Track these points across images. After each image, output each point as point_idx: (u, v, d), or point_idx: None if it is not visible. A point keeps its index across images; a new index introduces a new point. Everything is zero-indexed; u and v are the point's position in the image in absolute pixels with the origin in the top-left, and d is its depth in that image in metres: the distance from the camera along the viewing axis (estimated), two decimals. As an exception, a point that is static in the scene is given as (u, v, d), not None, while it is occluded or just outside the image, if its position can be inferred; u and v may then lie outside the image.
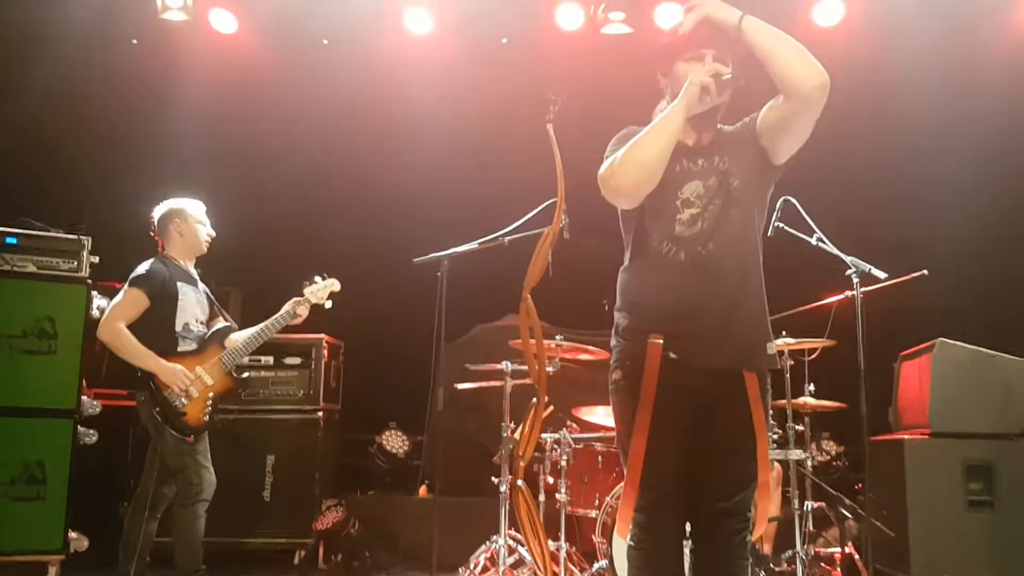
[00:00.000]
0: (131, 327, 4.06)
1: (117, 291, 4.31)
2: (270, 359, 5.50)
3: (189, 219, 4.33)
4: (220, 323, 4.41)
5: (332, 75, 6.26)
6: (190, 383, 4.06)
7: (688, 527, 2.63)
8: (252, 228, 5.18)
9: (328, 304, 4.50)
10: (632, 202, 2.60)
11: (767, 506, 2.59)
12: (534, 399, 4.38)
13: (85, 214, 4.88)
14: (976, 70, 5.88)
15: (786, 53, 2.47)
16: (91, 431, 4.51)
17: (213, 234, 4.42)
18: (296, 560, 5.33)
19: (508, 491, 4.25)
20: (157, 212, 4.36)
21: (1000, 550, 4.38)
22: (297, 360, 5.58)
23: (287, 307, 4.39)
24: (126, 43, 6.24)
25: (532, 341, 2.95)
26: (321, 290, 4.47)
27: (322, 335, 5.60)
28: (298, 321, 4.43)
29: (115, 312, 4.07)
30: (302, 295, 4.42)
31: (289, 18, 6.17)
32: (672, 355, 2.52)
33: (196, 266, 4.43)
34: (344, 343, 5.96)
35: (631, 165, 2.52)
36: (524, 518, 2.58)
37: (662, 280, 2.59)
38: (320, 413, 5.49)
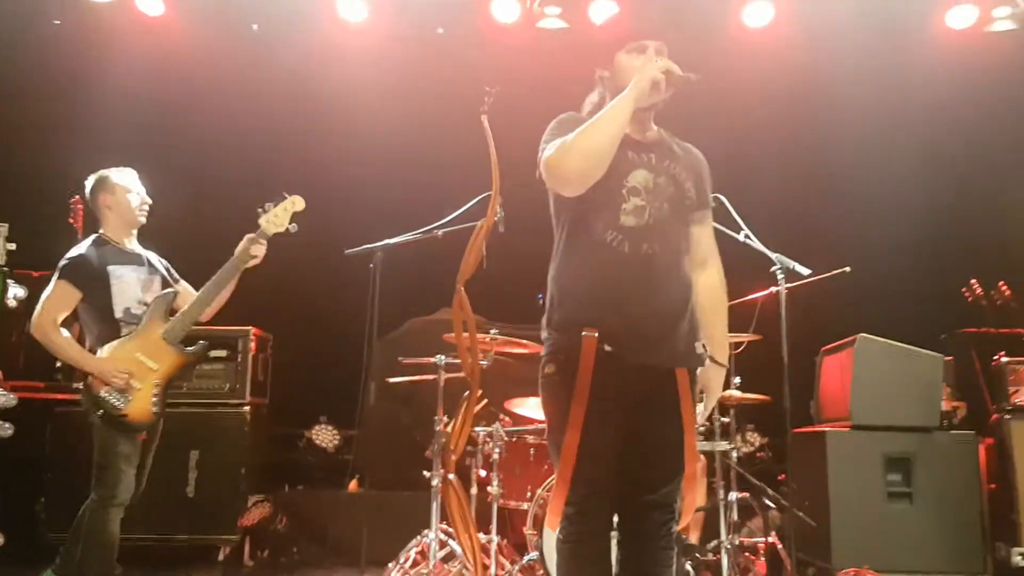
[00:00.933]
0: (72, 320, 3.84)
1: (34, 280, 4.14)
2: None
3: (116, 189, 3.96)
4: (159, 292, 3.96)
5: (262, 61, 6.16)
6: (127, 376, 3.70)
7: (616, 518, 2.65)
8: (176, 218, 5.01)
9: (293, 228, 3.91)
10: (578, 189, 2.58)
11: (693, 497, 2.64)
12: (466, 392, 4.40)
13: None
14: (902, 72, 6.06)
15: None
16: (6, 424, 4.31)
17: (149, 201, 4.01)
18: (221, 557, 5.21)
19: (440, 485, 4.23)
20: (86, 188, 4.03)
21: (918, 540, 4.52)
22: (223, 353, 5.41)
23: (239, 248, 3.85)
24: (48, 23, 6.02)
25: (466, 334, 2.94)
26: (279, 215, 3.90)
27: (249, 327, 5.47)
28: (256, 262, 3.89)
29: (44, 307, 3.77)
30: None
31: (218, 2, 6.04)
32: (607, 348, 2.52)
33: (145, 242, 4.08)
34: (273, 336, 5.84)
35: (580, 153, 2.51)
36: (455, 512, 2.56)
37: (601, 270, 2.58)
38: (247, 407, 5.34)
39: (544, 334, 2.68)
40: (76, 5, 5.86)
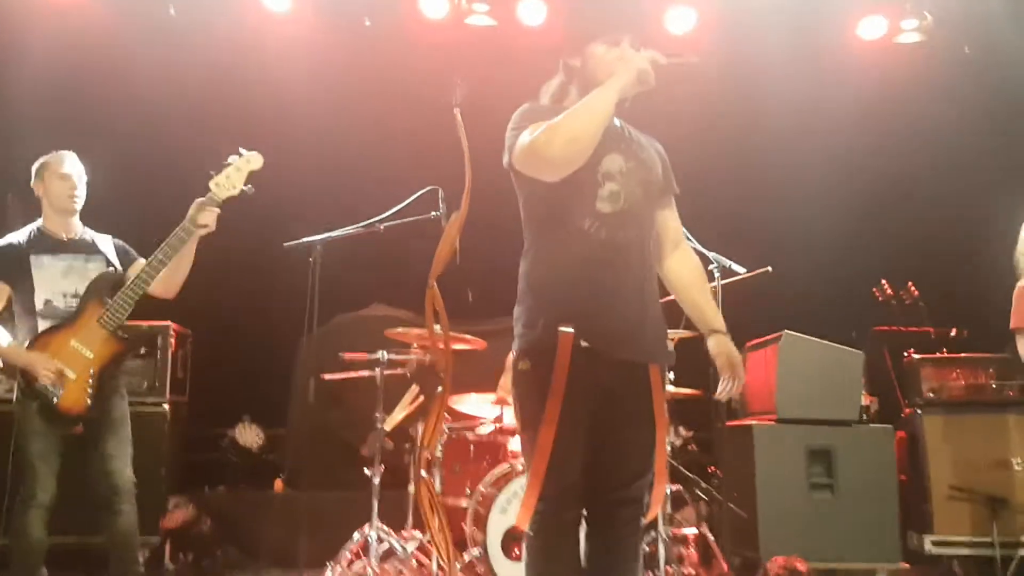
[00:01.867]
0: (4, 315, 3.64)
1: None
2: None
3: (45, 176, 3.77)
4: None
5: (183, 48, 5.92)
6: (56, 369, 3.50)
7: (584, 512, 2.66)
8: (104, 207, 4.75)
9: (249, 189, 3.56)
10: (560, 174, 2.54)
11: (662, 490, 2.66)
12: (413, 388, 4.36)
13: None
14: (819, 78, 6.28)
15: None
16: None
17: (75, 185, 3.74)
18: (140, 559, 5.00)
19: (380, 484, 4.19)
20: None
21: (839, 530, 4.70)
22: (141, 349, 5.21)
23: (188, 215, 3.52)
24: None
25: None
26: (232, 176, 3.54)
27: (168, 323, 5.27)
28: (206, 231, 3.55)
29: None
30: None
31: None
32: (584, 343, 2.51)
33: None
34: (192, 332, 5.65)
35: (566, 137, 2.48)
36: (428, 510, 2.53)
37: (580, 258, 2.56)
38: (166, 405, 5.14)
39: (517, 328, 2.64)
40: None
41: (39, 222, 3.82)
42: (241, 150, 3.62)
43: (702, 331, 2.80)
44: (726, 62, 6.25)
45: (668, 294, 4.66)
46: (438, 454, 4.28)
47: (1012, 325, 4.19)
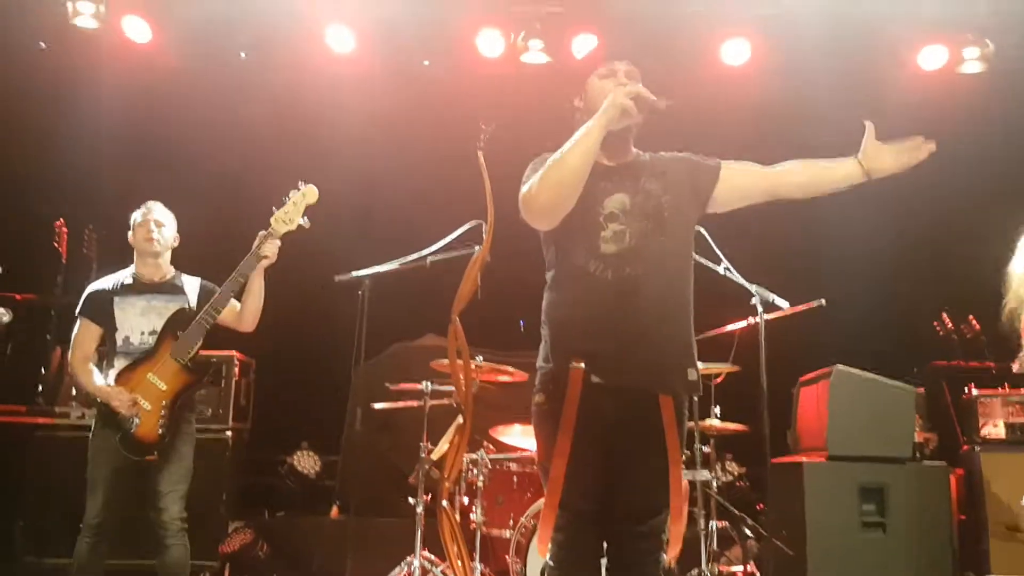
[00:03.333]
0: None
1: (18, 303, 4.15)
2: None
3: (134, 225, 4.09)
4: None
5: (250, 89, 6.20)
6: (129, 401, 3.75)
7: (604, 545, 2.70)
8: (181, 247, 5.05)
9: (305, 222, 3.85)
10: (551, 222, 2.63)
11: (680, 529, 2.65)
12: (459, 419, 4.44)
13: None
14: (876, 109, 6.15)
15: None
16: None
17: (152, 229, 3.99)
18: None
19: (423, 512, 4.27)
20: None
21: (891, 570, 4.58)
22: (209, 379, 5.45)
23: (252, 248, 3.82)
24: (34, 47, 6.03)
25: (459, 362, 3.00)
26: (291, 211, 3.83)
27: (233, 352, 5.50)
28: (268, 262, 3.85)
29: (72, 345, 3.97)
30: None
31: (205, 29, 6.06)
32: (595, 379, 2.56)
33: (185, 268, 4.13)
34: (255, 361, 5.87)
35: (548, 184, 2.54)
36: (448, 539, 2.60)
37: (587, 299, 2.61)
38: (229, 432, 5.36)
39: (538, 363, 2.72)
40: (63, 30, 5.85)
41: (131, 268, 4.10)
42: (300, 183, 3.89)
43: (859, 169, 2.75)
44: (780, 94, 6.25)
45: (707, 330, 4.70)
46: (480, 484, 4.34)
47: None
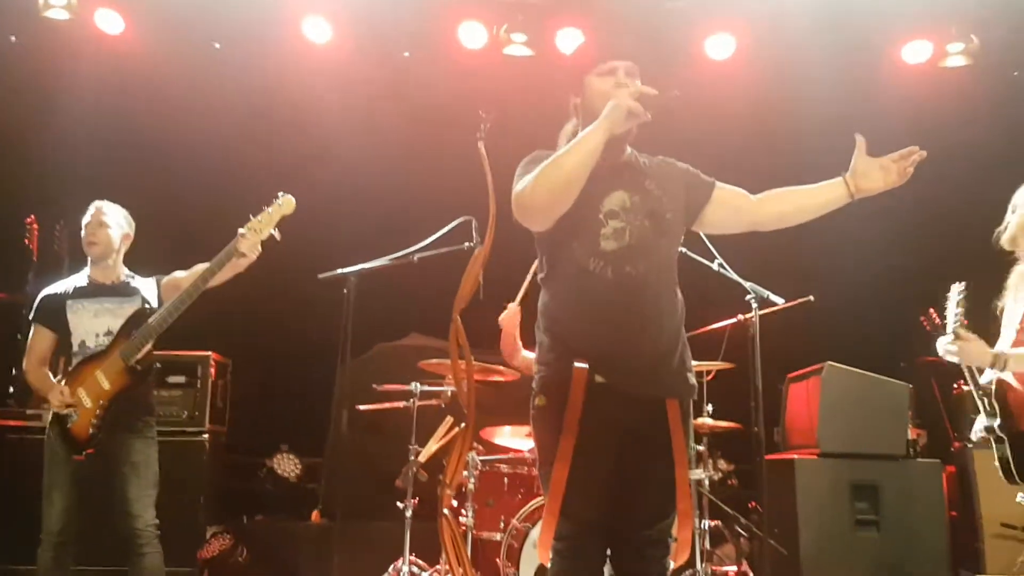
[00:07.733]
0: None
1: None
2: (151, 377, 5.18)
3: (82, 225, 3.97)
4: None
5: (225, 80, 6.04)
6: (60, 394, 3.67)
7: (609, 551, 2.61)
8: (139, 239, 4.86)
9: (276, 234, 3.73)
10: (544, 224, 2.55)
11: (688, 534, 2.57)
12: (448, 419, 4.33)
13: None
14: (862, 105, 6.16)
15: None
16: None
17: (90, 236, 3.87)
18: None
19: (411, 516, 4.17)
20: None
21: (885, 568, 4.56)
22: (181, 379, 5.26)
23: (226, 249, 3.68)
24: (4, 40, 5.84)
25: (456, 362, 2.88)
26: (264, 220, 3.71)
27: (209, 352, 5.34)
28: (244, 262, 3.72)
29: (27, 350, 3.89)
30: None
31: (179, 20, 5.91)
32: (599, 379, 2.47)
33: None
34: (232, 361, 5.70)
35: (545, 187, 2.46)
36: (448, 546, 2.49)
37: (588, 298, 2.52)
38: (205, 435, 5.19)
39: (535, 364, 2.62)
40: (33, 22, 5.68)
41: (86, 269, 3.97)
42: (279, 194, 3.79)
43: (845, 191, 2.68)
44: (766, 88, 6.19)
45: (697, 327, 4.62)
46: (470, 487, 4.23)
47: None
